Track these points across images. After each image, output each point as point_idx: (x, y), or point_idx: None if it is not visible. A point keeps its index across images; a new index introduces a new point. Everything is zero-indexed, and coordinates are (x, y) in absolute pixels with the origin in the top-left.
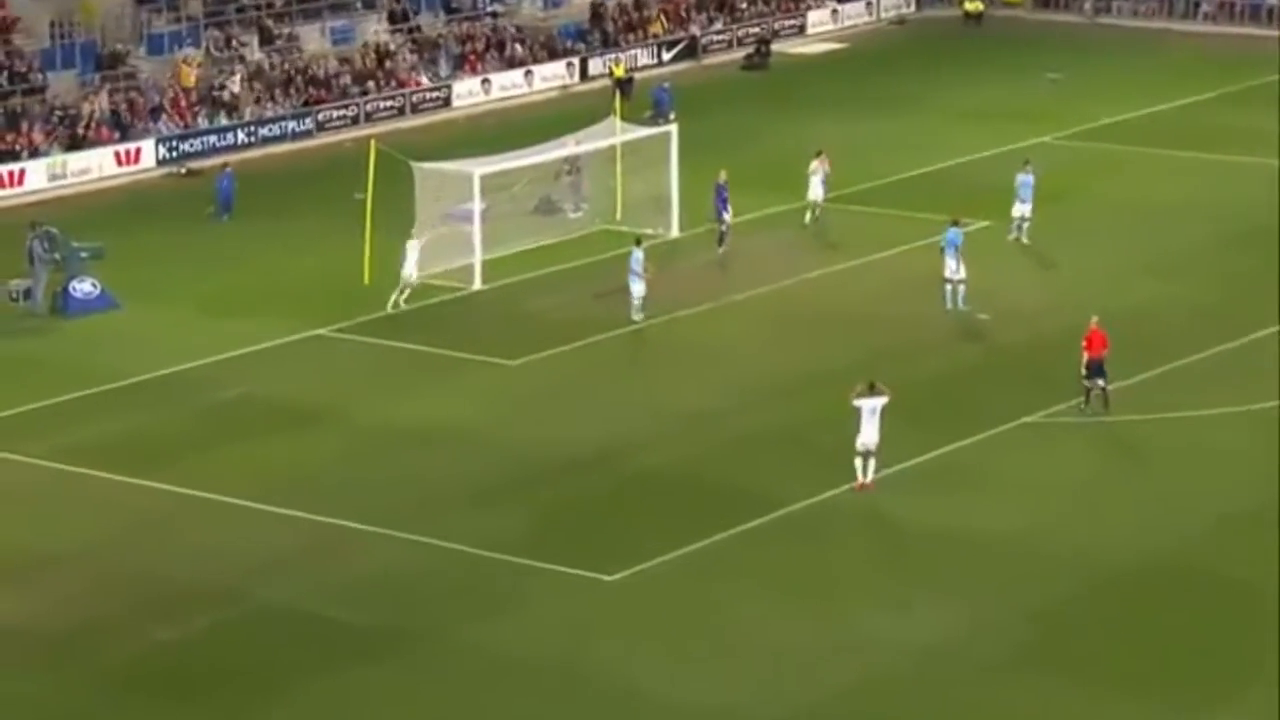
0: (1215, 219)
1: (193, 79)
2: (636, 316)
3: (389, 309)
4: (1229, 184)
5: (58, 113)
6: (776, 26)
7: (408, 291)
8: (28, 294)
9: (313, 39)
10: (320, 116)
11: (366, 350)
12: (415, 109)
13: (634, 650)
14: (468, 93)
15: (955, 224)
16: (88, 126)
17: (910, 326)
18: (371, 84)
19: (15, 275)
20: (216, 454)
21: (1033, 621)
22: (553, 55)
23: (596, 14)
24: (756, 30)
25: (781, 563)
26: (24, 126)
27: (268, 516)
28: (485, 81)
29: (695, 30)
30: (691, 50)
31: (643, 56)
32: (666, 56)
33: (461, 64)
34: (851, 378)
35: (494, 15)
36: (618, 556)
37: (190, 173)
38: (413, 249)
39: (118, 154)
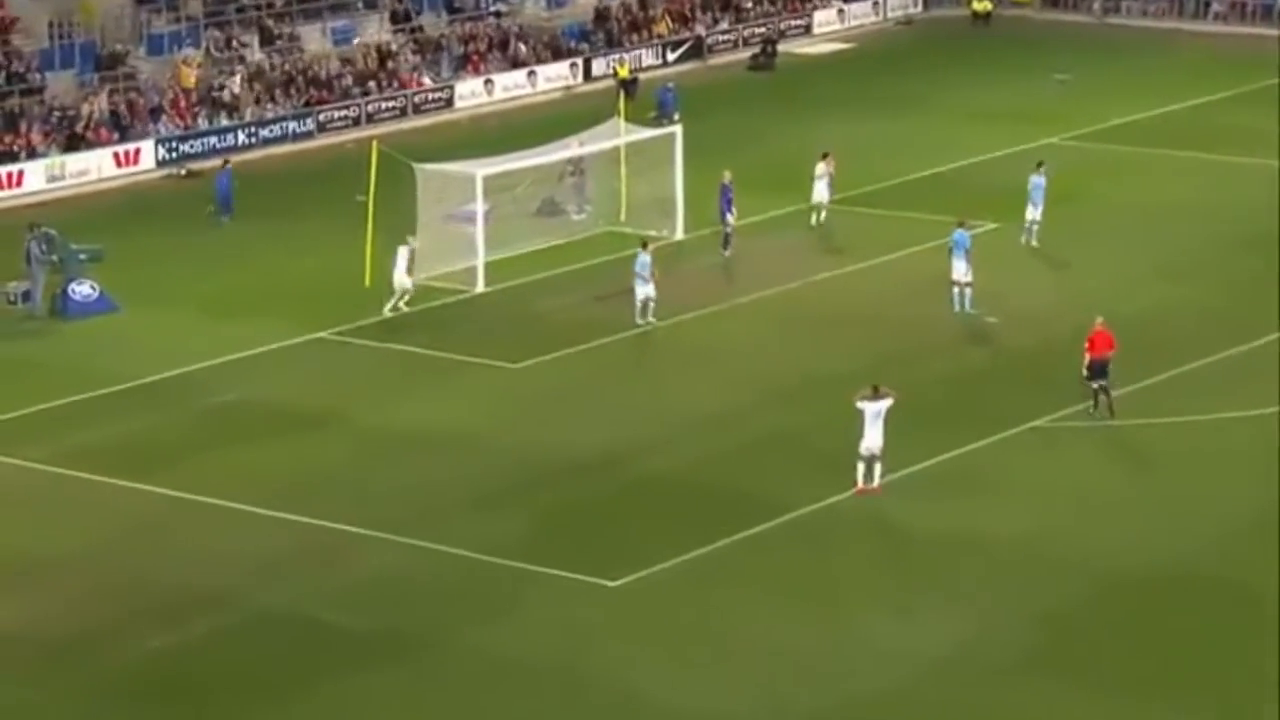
0: (1225, 221)
1: (193, 79)
2: (640, 320)
3: (386, 313)
4: (1239, 186)
5: (56, 113)
6: (782, 26)
7: (407, 297)
8: (26, 296)
9: (314, 39)
10: (321, 117)
11: (367, 353)
12: (417, 110)
13: (636, 656)
14: (470, 93)
15: (962, 226)
16: (87, 127)
17: (917, 329)
18: (373, 84)
19: (14, 278)
20: (216, 458)
21: (1040, 626)
22: (556, 55)
23: (600, 14)
24: (762, 30)
25: (786, 568)
26: (22, 127)
27: (267, 521)
28: (488, 82)
29: (700, 30)
30: (697, 50)
31: (647, 57)
32: (671, 57)
33: (464, 64)
34: (858, 381)
35: (497, 15)
36: (620, 562)
37: (190, 174)
38: (402, 255)
39: (117, 155)
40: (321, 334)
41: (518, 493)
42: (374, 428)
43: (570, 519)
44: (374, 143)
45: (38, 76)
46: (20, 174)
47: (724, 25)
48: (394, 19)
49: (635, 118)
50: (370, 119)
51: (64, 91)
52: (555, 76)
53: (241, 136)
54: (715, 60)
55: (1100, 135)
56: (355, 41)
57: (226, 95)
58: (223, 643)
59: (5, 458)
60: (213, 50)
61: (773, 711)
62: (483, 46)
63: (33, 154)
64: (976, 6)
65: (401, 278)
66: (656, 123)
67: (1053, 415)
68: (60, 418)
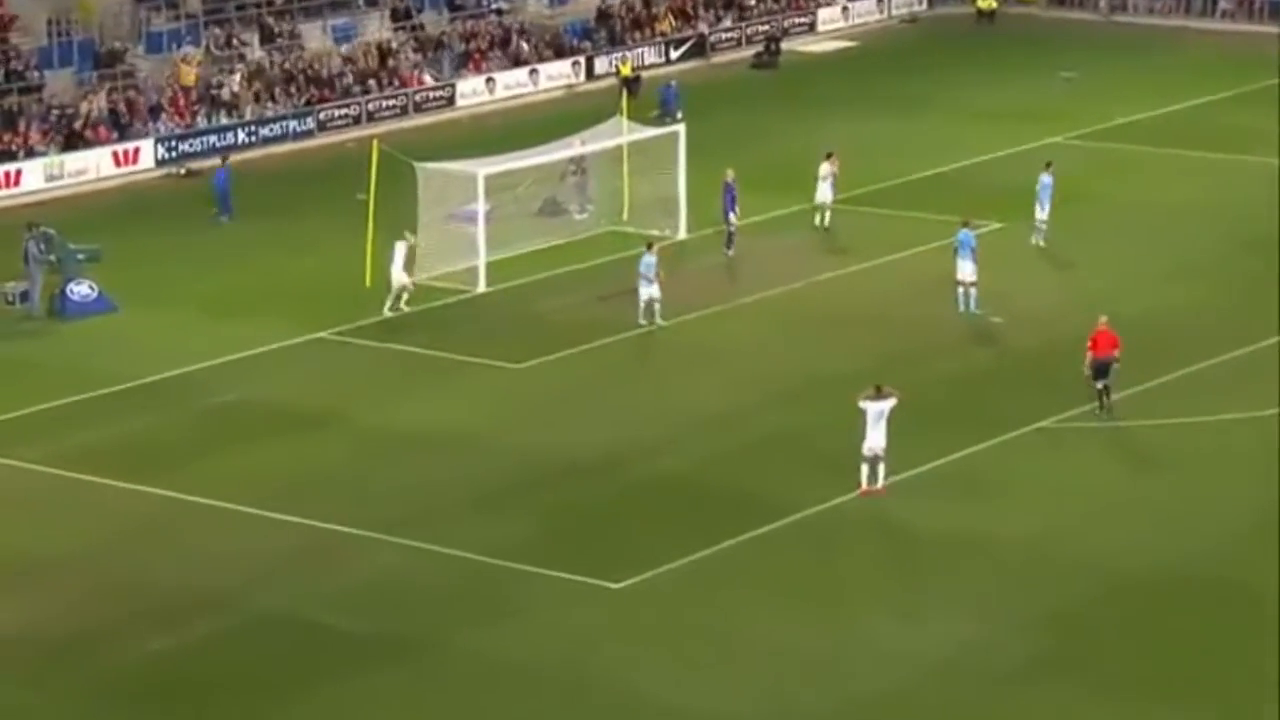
0: (1232, 220)
1: (192, 78)
2: (644, 320)
3: (386, 312)
4: (1246, 185)
5: (55, 112)
6: (786, 24)
7: (406, 295)
8: (24, 296)
9: (314, 37)
10: (322, 116)
11: (368, 353)
12: (418, 108)
13: (638, 658)
14: (472, 92)
15: (966, 225)
16: (85, 126)
17: (922, 330)
18: (374, 83)
19: (12, 278)
20: (215, 459)
21: (1046, 628)
22: (558, 54)
23: (603, 12)
24: (766, 28)
25: (791, 570)
26: (21, 126)
27: (267, 522)
28: (490, 80)
29: (704, 28)
30: (700, 48)
31: (650, 55)
32: (674, 55)
33: (465, 62)
34: (862, 381)
35: (499, 13)
36: (623, 563)
37: (189, 173)
38: (399, 251)
39: (116, 154)
40: (321, 334)
41: (519, 494)
42: (374, 429)
43: (572, 520)
44: (375, 141)
45: (36, 75)
46: (19, 173)
47: (727, 23)
48: (395, 17)
49: (638, 116)
50: (371, 117)
51: (62, 90)
52: (557, 75)
53: (241, 135)
54: (718, 58)
55: (1106, 134)
56: (356, 39)
57: (226, 94)
58: (222, 644)
59: (3, 459)
60: (212, 48)
61: (776, 713)
62: (484, 44)
63: (31, 153)
64: (981, 4)
65: (399, 274)
66: (659, 121)
67: (1058, 416)
68: (58, 418)
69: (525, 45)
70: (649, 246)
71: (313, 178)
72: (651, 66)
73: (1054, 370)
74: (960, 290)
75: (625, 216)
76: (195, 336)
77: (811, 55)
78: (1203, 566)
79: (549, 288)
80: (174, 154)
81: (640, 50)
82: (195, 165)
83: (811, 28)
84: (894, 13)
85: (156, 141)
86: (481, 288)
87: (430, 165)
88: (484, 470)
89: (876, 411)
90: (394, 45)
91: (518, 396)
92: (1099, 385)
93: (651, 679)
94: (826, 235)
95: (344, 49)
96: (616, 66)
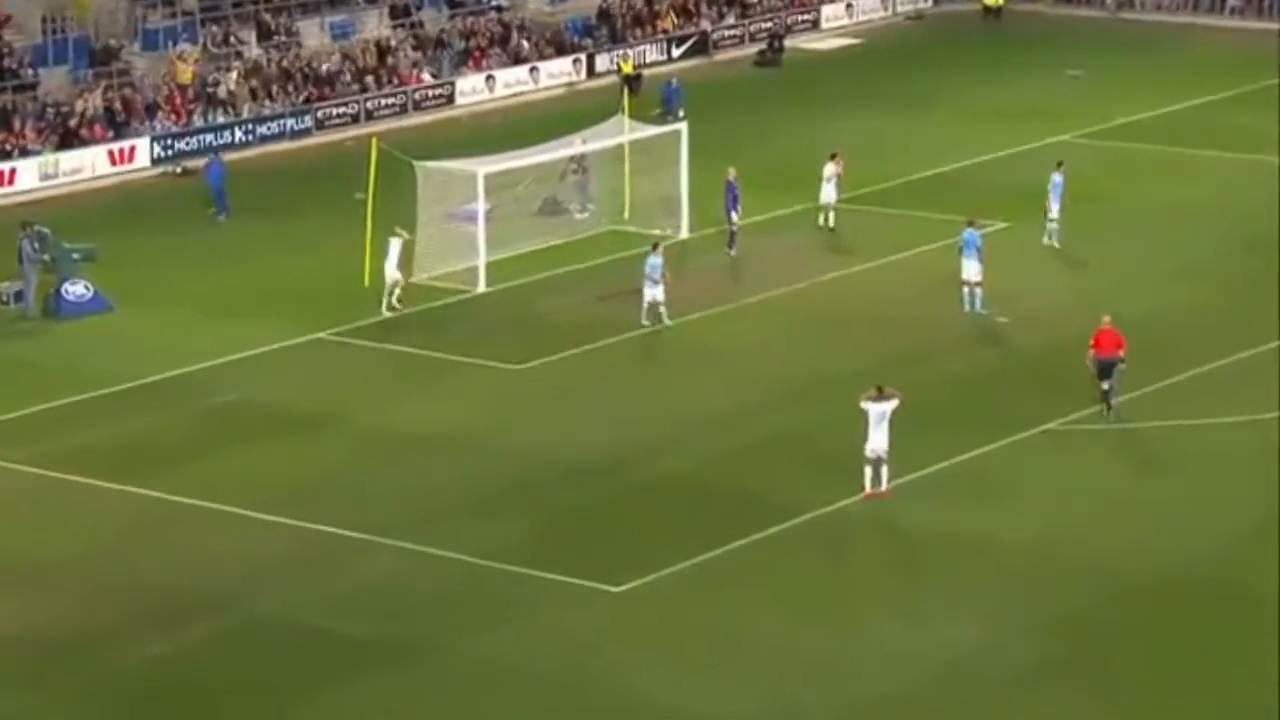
0: (1240, 220)
1: (189, 76)
2: (646, 321)
3: (384, 312)
4: (1255, 184)
5: (50, 110)
6: (789, 21)
7: (397, 290)
8: (19, 296)
9: (312, 34)
10: (320, 114)
11: (367, 354)
12: (417, 106)
13: (639, 661)
14: (471, 90)
15: (971, 225)
16: (80, 124)
17: (927, 330)
18: (372, 81)
19: (6, 277)
20: (213, 460)
21: (1051, 630)
22: (559, 51)
23: (604, 9)
24: (769, 25)
25: (794, 572)
26: (15, 124)
27: (265, 525)
28: (489, 78)
29: (706, 25)
30: (702, 46)
31: (652, 52)
32: (676, 52)
33: (465, 60)
34: (867, 382)
35: (498, 10)
36: (624, 566)
37: (186, 172)
38: (394, 247)
39: (111, 153)
40: (320, 334)
41: (520, 496)
42: (373, 430)
43: (573, 523)
44: (373, 140)
45: (30, 73)
46: (13, 172)
47: (730, 20)
48: (394, 14)
49: (639, 115)
50: (370, 116)
51: (57, 88)
52: (558, 72)
53: (238, 134)
54: (721, 56)
55: (1113, 133)
56: (354, 37)
57: (223, 92)
58: (221, 647)
59: None
60: (209, 46)
61: (779, 715)
62: (484, 42)
63: (26, 152)
64: (988, 1)
65: (392, 270)
66: (661, 120)
67: (1065, 418)
68: (53, 420)
69: (525, 43)
70: (654, 247)
71: (310, 177)
72: (653, 64)
73: (1060, 371)
74: (965, 290)
75: (626, 216)
76: (192, 337)
77: (815, 53)
78: (1207, 569)
79: (549, 288)
80: (170, 153)
81: (642, 48)
82: (191, 164)
83: (815, 25)
84: (899, 10)
85: (152, 140)
86: (481, 288)
87: (429, 164)
88: (484, 472)
89: (878, 413)
90: (393, 43)
91: (518, 397)
92: (1104, 386)
93: (653, 682)
94: (830, 235)
95: (342, 46)
96: (618, 64)
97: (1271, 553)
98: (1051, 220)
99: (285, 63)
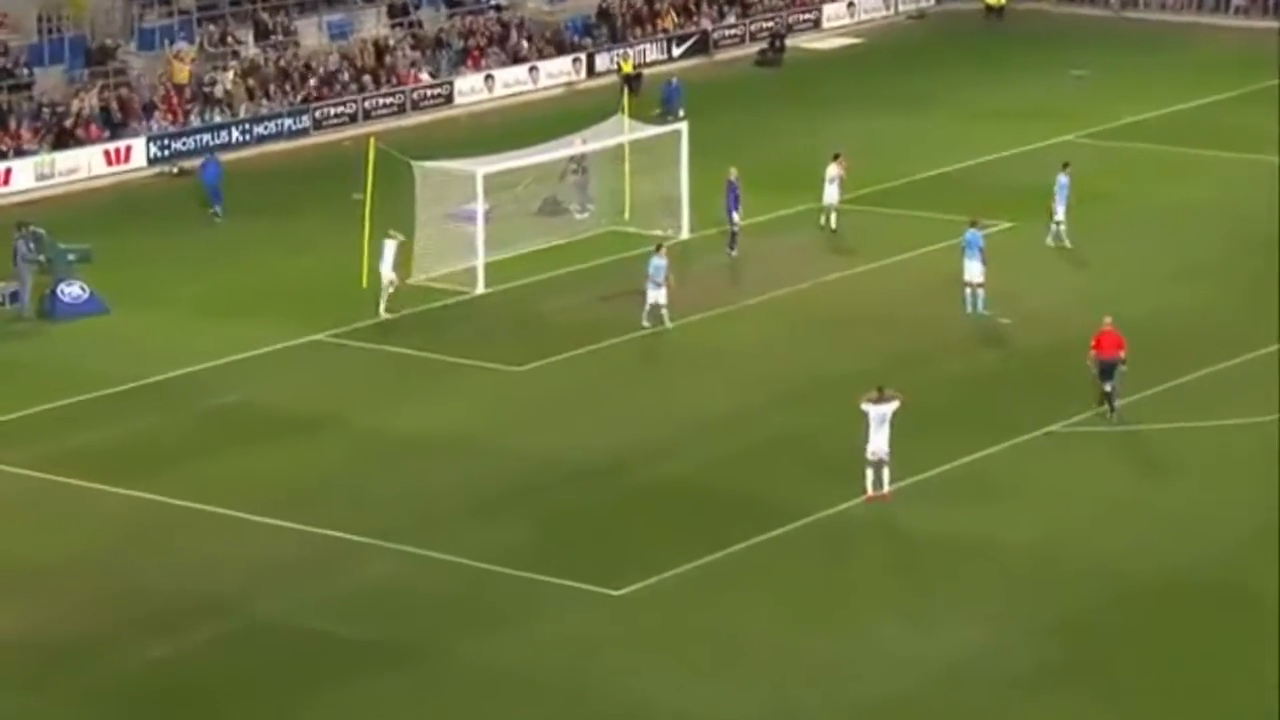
0: (1243, 220)
1: (185, 75)
2: (648, 323)
3: (382, 314)
4: (1260, 185)
5: (45, 110)
6: (791, 21)
7: (391, 289)
8: (14, 297)
9: (310, 34)
10: (317, 114)
11: (365, 355)
12: (416, 106)
13: (641, 665)
14: (470, 89)
15: (974, 225)
16: (76, 124)
17: (930, 331)
18: (370, 80)
19: (1, 278)
20: (210, 463)
21: (1054, 633)
22: (559, 50)
23: (604, 8)
24: (770, 25)
25: (796, 575)
26: (11, 124)
27: (264, 528)
28: (488, 78)
29: (706, 24)
30: (703, 45)
31: (652, 52)
32: (677, 52)
33: (464, 60)
34: (869, 383)
35: (497, 9)
36: (625, 569)
37: (182, 172)
38: (389, 248)
39: (108, 153)
40: (318, 336)
41: (520, 499)
42: (372, 432)
43: (574, 526)
44: (371, 140)
45: (26, 72)
46: (9, 172)
47: (730, 19)
48: (392, 13)
49: (639, 114)
50: (368, 116)
51: (53, 87)
52: (557, 72)
53: (235, 133)
54: (721, 55)
55: (1116, 133)
56: (352, 36)
57: (220, 91)
58: (222, 650)
59: None
60: (206, 45)
61: (782, 717)
62: (483, 41)
63: (21, 152)
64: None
65: (387, 271)
66: (661, 119)
67: (1067, 420)
68: (49, 422)
69: (525, 42)
70: (658, 249)
71: (308, 177)
72: (653, 63)
73: (1063, 373)
74: (968, 291)
75: (627, 216)
76: (189, 338)
77: (816, 52)
78: (1210, 571)
79: (549, 288)
80: (167, 153)
81: (642, 47)
82: (188, 164)
83: (816, 24)
84: (901, 9)
85: (149, 140)
86: (480, 289)
87: (428, 164)
88: (484, 475)
89: (879, 415)
90: (391, 42)
91: (518, 399)
92: (1106, 388)
93: (654, 685)
94: (832, 236)
95: (340, 46)
96: (618, 63)
97: (1273, 556)
98: (1058, 222)
99: (283, 62)
